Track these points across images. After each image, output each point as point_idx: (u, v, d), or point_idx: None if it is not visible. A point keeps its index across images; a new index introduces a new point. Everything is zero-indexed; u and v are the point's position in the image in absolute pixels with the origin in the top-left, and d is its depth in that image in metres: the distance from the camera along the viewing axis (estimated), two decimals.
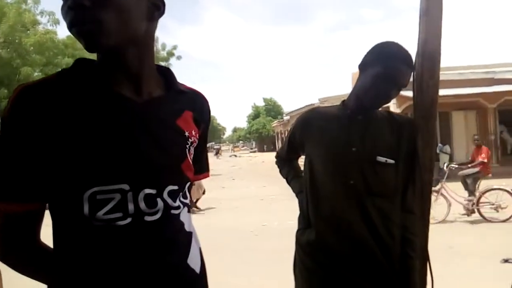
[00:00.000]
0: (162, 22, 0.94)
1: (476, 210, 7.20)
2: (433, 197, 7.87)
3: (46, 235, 0.89)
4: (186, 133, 0.93)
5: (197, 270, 0.93)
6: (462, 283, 4.02)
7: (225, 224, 8.21)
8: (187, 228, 0.92)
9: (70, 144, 0.78)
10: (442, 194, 7.33)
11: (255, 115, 59.21)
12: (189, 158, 0.93)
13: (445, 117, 15.16)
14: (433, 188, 7.22)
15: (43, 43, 12.90)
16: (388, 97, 1.46)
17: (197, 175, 1.06)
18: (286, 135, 1.84)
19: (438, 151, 13.60)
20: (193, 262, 0.91)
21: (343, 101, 1.63)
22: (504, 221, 6.92)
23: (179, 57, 18.67)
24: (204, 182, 9.66)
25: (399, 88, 1.46)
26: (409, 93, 1.67)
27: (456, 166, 8.19)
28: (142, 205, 0.81)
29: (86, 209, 0.78)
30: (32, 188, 0.80)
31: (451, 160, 14.59)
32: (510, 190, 7.06)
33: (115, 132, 0.81)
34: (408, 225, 1.48)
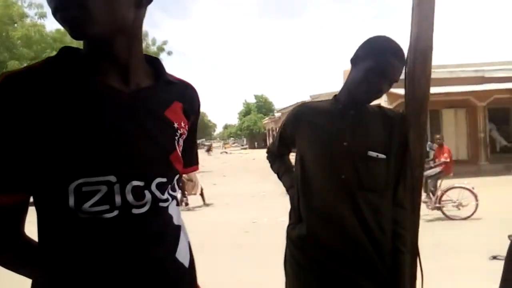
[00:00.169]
0: (151, 16, 0.91)
1: (438, 208, 7.30)
2: None
3: (32, 231, 0.87)
4: (175, 125, 0.91)
5: (186, 264, 0.91)
6: (450, 280, 4.07)
7: (216, 221, 8.21)
8: (175, 221, 0.91)
9: (54, 134, 0.76)
10: None
11: (246, 112, 59.21)
12: (178, 150, 0.91)
13: (436, 115, 15.29)
14: None
15: (30, 37, 12.70)
16: (379, 92, 1.46)
17: (186, 168, 1.04)
18: (277, 131, 1.82)
19: (428, 148, 13.72)
20: (182, 256, 0.90)
21: (335, 95, 1.62)
22: (465, 218, 7.08)
23: (169, 53, 18.51)
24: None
25: (391, 82, 1.46)
26: (400, 91, 1.67)
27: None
28: (130, 197, 0.79)
29: (71, 201, 0.76)
30: (15, 179, 0.77)
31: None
32: (470, 188, 7.27)
33: (102, 122, 0.79)
34: (399, 220, 1.48)
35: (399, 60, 1.45)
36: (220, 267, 4.86)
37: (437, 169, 7.98)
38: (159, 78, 0.93)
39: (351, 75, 1.52)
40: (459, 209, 7.30)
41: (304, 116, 1.60)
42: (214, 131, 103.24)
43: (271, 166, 1.91)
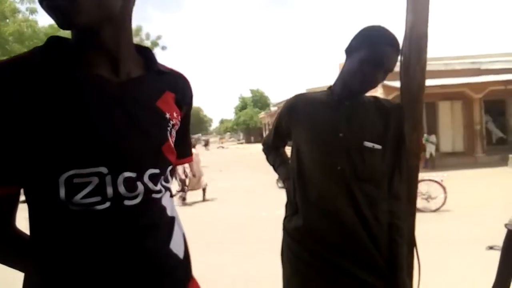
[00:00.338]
0: (144, 11, 0.89)
1: None
2: None
3: (25, 227, 0.86)
4: (167, 115, 0.89)
5: (180, 255, 0.90)
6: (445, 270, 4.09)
7: (213, 216, 8.22)
8: (169, 213, 0.90)
9: (43, 125, 0.74)
10: None
11: (242, 106, 59.09)
12: (170, 141, 0.89)
13: (432, 107, 15.33)
14: None
15: (22, 32, 12.56)
16: (374, 82, 1.44)
17: (180, 159, 1.02)
18: (273, 123, 1.81)
19: (424, 141, 13.79)
20: (176, 247, 0.89)
21: (330, 87, 1.61)
22: (434, 210, 7.16)
23: (164, 48, 18.40)
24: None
25: (386, 72, 1.45)
26: (396, 83, 1.66)
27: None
28: (122, 189, 0.78)
29: (62, 193, 0.75)
30: (6, 171, 0.76)
31: (437, 150, 14.84)
32: (439, 181, 7.38)
33: (91, 113, 0.77)
34: (395, 211, 1.47)
35: (393, 49, 1.44)
36: (218, 260, 4.87)
37: None
38: (150, 68, 0.91)
39: (345, 65, 1.51)
40: (428, 201, 7.39)
41: (299, 108, 1.59)
42: (210, 126, 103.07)
43: (267, 158, 1.90)
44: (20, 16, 13.29)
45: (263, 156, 1.94)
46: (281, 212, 1.67)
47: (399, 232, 1.46)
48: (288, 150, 1.74)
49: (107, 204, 0.77)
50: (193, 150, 10.07)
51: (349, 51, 1.50)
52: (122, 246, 0.78)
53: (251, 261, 4.79)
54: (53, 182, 0.75)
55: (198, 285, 0.96)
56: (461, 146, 15.67)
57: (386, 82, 11.97)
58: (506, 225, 1.36)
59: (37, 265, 0.79)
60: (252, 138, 53.92)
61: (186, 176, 9.75)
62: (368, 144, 1.44)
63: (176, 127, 0.93)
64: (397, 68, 1.47)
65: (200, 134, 64.35)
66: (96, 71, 0.81)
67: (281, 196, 1.73)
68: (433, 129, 15.24)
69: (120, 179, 0.78)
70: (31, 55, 0.80)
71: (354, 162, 1.44)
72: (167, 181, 0.90)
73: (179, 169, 9.50)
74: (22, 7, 13.14)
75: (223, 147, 45.20)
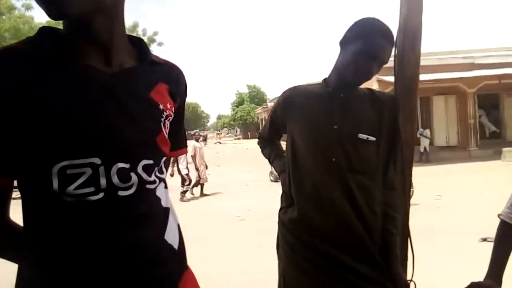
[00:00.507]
0: (140, 6, 0.88)
1: None
2: None
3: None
4: (161, 106, 0.89)
5: (175, 245, 0.90)
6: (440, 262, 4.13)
7: (211, 210, 8.25)
8: (163, 203, 0.89)
9: (35, 115, 0.74)
10: None
11: (239, 102, 58.98)
12: (164, 132, 0.89)
13: (426, 102, 15.40)
14: None
15: (19, 29, 12.47)
16: (369, 73, 1.45)
17: (174, 151, 1.02)
18: (268, 116, 1.81)
19: (418, 135, 13.87)
20: (171, 237, 0.89)
21: (325, 79, 1.61)
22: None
23: (160, 44, 18.32)
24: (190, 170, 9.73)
25: (380, 63, 1.45)
26: (390, 78, 1.66)
27: None
28: (115, 179, 0.78)
29: (55, 184, 0.75)
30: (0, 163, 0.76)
31: (431, 144, 14.93)
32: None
33: (83, 104, 0.77)
34: (389, 202, 1.48)
35: (388, 41, 1.44)
36: (216, 254, 4.89)
37: None
38: (144, 59, 0.91)
39: (340, 57, 1.51)
40: None
41: (294, 100, 1.59)
42: (208, 121, 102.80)
43: (262, 151, 1.90)
44: (16, 12, 13.18)
45: (259, 152, 1.94)
46: (277, 207, 1.67)
47: (394, 222, 1.47)
48: (284, 145, 1.74)
49: (101, 195, 0.77)
50: (197, 144, 10.13)
51: (344, 43, 1.50)
52: (117, 236, 0.78)
53: (246, 254, 4.81)
54: (46, 173, 0.75)
55: (193, 276, 0.97)
56: (455, 140, 15.77)
57: (381, 77, 12.02)
58: (499, 215, 1.37)
59: (31, 256, 0.79)
60: (249, 134, 53.91)
61: (189, 171, 9.81)
62: (362, 136, 1.44)
63: (170, 118, 0.92)
64: (392, 63, 1.47)
65: (197, 130, 64.30)
66: (88, 62, 0.81)
67: (277, 191, 1.74)
68: (427, 124, 15.33)
69: (114, 170, 0.78)
70: (23, 45, 0.79)
71: (348, 154, 1.45)
72: (161, 172, 0.90)
73: (181, 164, 9.56)
74: (18, 4, 13.06)
75: (220, 143, 45.20)
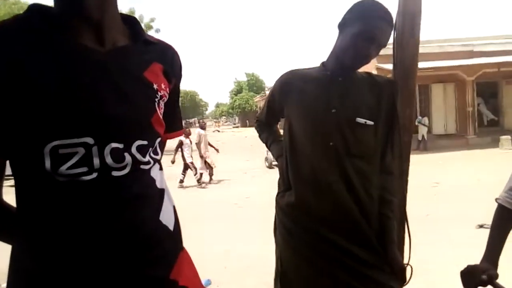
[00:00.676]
0: None
1: None
2: None
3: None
4: (155, 86, 0.87)
5: (171, 227, 0.89)
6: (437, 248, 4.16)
7: (209, 197, 8.28)
8: (158, 185, 0.89)
9: (26, 93, 0.72)
10: None
11: (238, 90, 58.83)
12: (158, 112, 0.88)
13: (425, 90, 15.37)
14: None
15: (14, 14, 12.36)
16: (367, 57, 1.43)
17: (170, 133, 1.01)
18: (265, 100, 1.79)
19: (416, 123, 13.87)
20: (166, 219, 0.88)
21: (323, 62, 1.59)
22: None
23: (157, 30, 18.15)
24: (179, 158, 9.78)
25: (379, 47, 1.43)
26: (389, 66, 1.64)
27: None
28: (109, 159, 0.77)
29: (47, 164, 0.74)
30: None
31: (429, 132, 14.95)
32: None
33: (74, 82, 0.75)
34: (386, 186, 1.48)
35: (387, 23, 1.42)
36: (215, 239, 4.92)
37: None
38: (137, 37, 0.89)
39: (338, 40, 1.49)
40: None
41: (292, 83, 1.57)
42: (206, 110, 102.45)
43: (260, 136, 1.88)
44: None
45: (258, 140, 1.92)
46: (275, 194, 1.67)
47: (390, 207, 1.47)
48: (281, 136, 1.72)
49: (94, 175, 0.76)
50: (202, 131, 10.16)
51: (342, 25, 1.47)
52: (111, 216, 0.77)
53: (245, 239, 4.84)
54: (38, 153, 0.73)
55: (189, 257, 0.96)
56: (453, 128, 15.80)
57: (380, 65, 11.98)
58: (496, 200, 1.37)
59: (24, 237, 0.78)
60: (248, 122, 53.85)
61: (192, 162, 9.85)
62: (360, 120, 1.43)
63: (165, 98, 0.91)
64: (391, 50, 1.44)
65: (195, 119, 64.11)
66: (80, 39, 0.79)
67: (275, 178, 1.73)
68: (425, 111, 15.32)
69: (107, 150, 0.77)
70: (13, 23, 0.77)
71: (346, 138, 1.44)
72: (156, 153, 0.89)
73: (186, 152, 9.61)
74: None
75: (219, 131, 45.22)
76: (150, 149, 0.86)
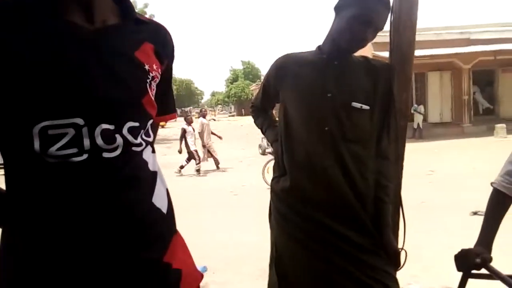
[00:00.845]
0: None
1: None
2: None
3: None
4: (146, 67, 0.85)
5: (164, 210, 0.88)
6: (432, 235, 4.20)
7: (206, 186, 8.30)
8: (151, 167, 0.87)
9: (14, 72, 0.70)
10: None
11: (234, 78, 58.55)
12: (150, 93, 0.86)
13: (421, 78, 15.35)
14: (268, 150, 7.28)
15: None
16: (364, 40, 1.41)
17: (163, 115, 0.99)
18: (260, 84, 1.77)
19: (412, 111, 13.88)
20: (159, 201, 0.87)
21: (319, 46, 1.57)
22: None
23: (151, 16, 17.93)
24: (184, 148, 9.79)
25: (376, 30, 1.41)
26: (385, 54, 1.62)
27: None
28: (99, 140, 0.75)
29: (36, 145, 0.72)
30: None
31: (425, 120, 14.98)
32: None
33: (63, 61, 0.74)
34: (382, 170, 1.48)
35: (384, 6, 1.40)
36: (211, 227, 4.93)
37: None
38: (128, 16, 0.87)
39: (334, 23, 1.47)
40: None
41: (287, 67, 1.55)
42: (202, 98, 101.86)
43: (255, 121, 1.87)
44: None
45: (254, 128, 1.91)
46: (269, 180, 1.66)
47: (386, 191, 1.47)
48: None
49: (85, 156, 0.74)
50: (204, 120, 10.18)
51: (338, 8, 1.45)
52: (102, 198, 0.76)
53: (241, 227, 4.86)
54: (26, 134, 0.72)
55: (183, 240, 0.96)
56: (448, 117, 15.83)
57: (377, 53, 11.90)
58: (492, 184, 1.37)
59: (14, 219, 0.77)
60: (243, 111, 53.73)
61: (195, 150, 9.87)
62: (356, 104, 1.42)
63: (156, 80, 0.89)
64: (388, 39, 1.42)
65: (191, 107, 63.89)
66: (69, 17, 0.77)
67: (270, 167, 1.73)
68: (421, 100, 15.33)
69: (98, 131, 0.75)
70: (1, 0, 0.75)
71: (342, 123, 1.42)
72: (148, 135, 0.88)
73: (189, 140, 9.61)
74: None
75: (214, 120, 45.15)
76: (142, 131, 0.84)
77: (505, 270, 1.21)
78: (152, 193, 0.85)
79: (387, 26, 1.52)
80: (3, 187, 0.82)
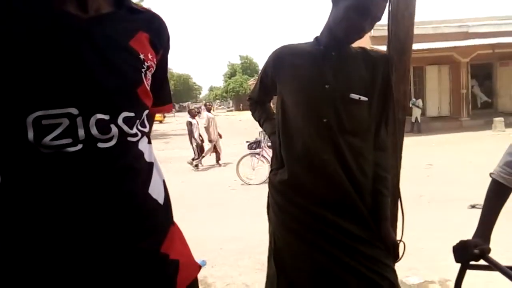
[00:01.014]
0: None
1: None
2: (254, 159, 7.58)
3: None
4: (141, 56, 0.84)
5: (160, 201, 0.88)
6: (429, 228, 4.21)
7: (204, 181, 8.30)
8: (147, 158, 0.86)
9: (7, 62, 0.69)
10: (263, 156, 7.84)
11: (231, 73, 58.36)
12: (145, 83, 0.85)
13: (419, 72, 15.33)
14: (253, 151, 7.49)
15: None
16: (361, 30, 1.39)
17: (159, 106, 0.98)
18: (258, 76, 1.75)
19: (410, 105, 13.87)
20: (155, 192, 0.86)
21: (316, 37, 1.55)
22: (259, 184, 7.34)
23: None
24: (182, 143, 9.78)
25: (373, 20, 1.39)
26: (383, 48, 1.61)
27: None
28: (94, 131, 0.75)
29: (30, 135, 0.71)
30: None
31: (423, 114, 14.97)
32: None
33: (56, 50, 0.72)
34: (380, 163, 1.47)
35: None
36: (208, 221, 4.93)
37: None
38: (122, 5, 0.85)
39: (331, 14, 1.45)
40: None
41: (284, 59, 1.54)
42: (200, 93, 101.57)
43: (253, 114, 1.85)
44: None
45: (252, 123, 1.89)
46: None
47: (384, 183, 1.46)
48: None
49: (79, 146, 0.74)
50: (210, 114, 10.17)
51: None
52: (97, 188, 0.75)
53: (239, 222, 4.86)
54: (20, 124, 0.71)
55: (180, 231, 0.95)
56: (447, 111, 15.83)
57: (374, 47, 11.87)
58: (491, 174, 1.37)
59: (8, 210, 0.76)
60: (242, 106, 53.59)
61: (202, 141, 9.83)
62: (354, 96, 1.41)
63: (152, 69, 0.88)
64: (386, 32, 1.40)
65: (189, 102, 63.75)
66: (61, 6, 0.76)
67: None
68: (420, 94, 15.31)
69: (92, 121, 0.75)
70: None
71: (340, 115, 1.41)
72: (143, 125, 0.87)
73: (195, 133, 9.59)
74: None
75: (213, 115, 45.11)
76: (138, 121, 0.84)
77: (503, 261, 1.21)
78: (148, 184, 0.85)
79: (385, 19, 1.51)
80: None
